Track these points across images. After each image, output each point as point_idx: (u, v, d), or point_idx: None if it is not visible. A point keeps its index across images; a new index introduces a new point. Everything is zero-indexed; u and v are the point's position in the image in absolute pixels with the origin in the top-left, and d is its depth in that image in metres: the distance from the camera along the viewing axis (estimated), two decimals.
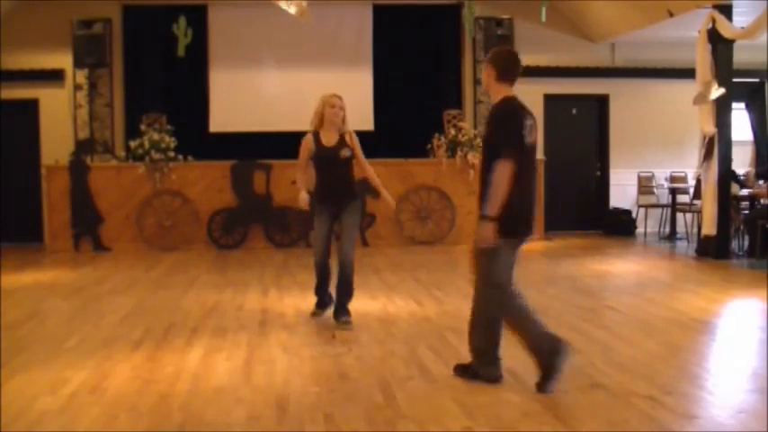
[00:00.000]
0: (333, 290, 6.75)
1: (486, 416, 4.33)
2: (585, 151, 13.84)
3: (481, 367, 4.94)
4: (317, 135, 6.56)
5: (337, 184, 6.54)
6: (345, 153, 6.51)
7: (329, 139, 6.52)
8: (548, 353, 4.66)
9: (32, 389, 4.87)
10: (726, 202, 10.40)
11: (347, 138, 6.55)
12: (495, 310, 4.86)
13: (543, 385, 4.68)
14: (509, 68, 4.84)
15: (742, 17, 10.12)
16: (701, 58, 10.25)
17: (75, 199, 11.59)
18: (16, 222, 12.42)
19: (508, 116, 4.78)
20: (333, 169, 6.52)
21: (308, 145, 6.57)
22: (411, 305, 7.46)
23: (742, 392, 4.79)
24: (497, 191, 4.61)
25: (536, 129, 4.85)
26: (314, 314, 6.93)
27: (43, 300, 7.99)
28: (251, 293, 8.19)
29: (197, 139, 12.33)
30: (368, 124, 13.03)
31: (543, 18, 10.01)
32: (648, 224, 13.19)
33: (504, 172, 4.60)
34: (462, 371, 5.05)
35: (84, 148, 12.08)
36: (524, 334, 4.76)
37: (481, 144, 5.69)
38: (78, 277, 9.43)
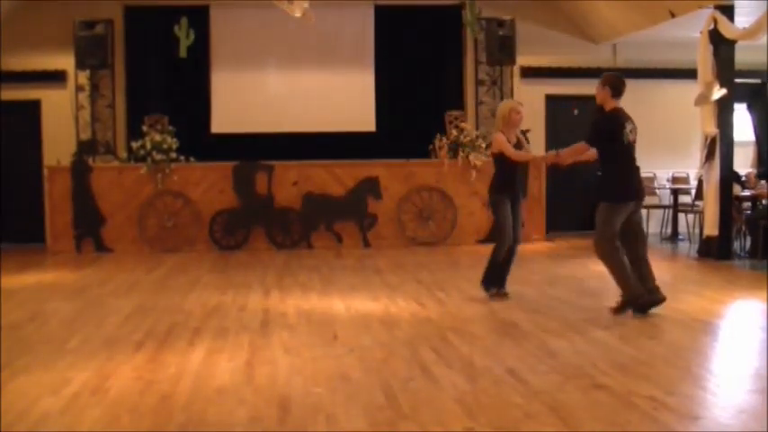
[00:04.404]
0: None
1: (487, 416, 4.33)
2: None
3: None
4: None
5: (516, 177, 7.70)
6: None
7: (510, 139, 7.58)
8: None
9: (34, 390, 4.88)
10: (728, 202, 10.37)
11: (521, 138, 7.71)
12: None
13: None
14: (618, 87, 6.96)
15: (744, 17, 10.10)
16: (703, 59, 10.22)
17: (76, 200, 11.58)
18: (18, 223, 12.41)
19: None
20: (513, 164, 7.57)
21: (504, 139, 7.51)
22: (413, 306, 7.46)
23: (744, 393, 4.78)
24: None
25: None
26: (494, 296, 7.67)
27: (45, 301, 7.99)
28: (253, 294, 8.19)
29: (199, 139, 12.33)
30: (369, 125, 13.05)
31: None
32: (650, 225, 13.14)
33: None
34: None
35: (86, 148, 12.07)
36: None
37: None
38: (80, 278, 9.44)
